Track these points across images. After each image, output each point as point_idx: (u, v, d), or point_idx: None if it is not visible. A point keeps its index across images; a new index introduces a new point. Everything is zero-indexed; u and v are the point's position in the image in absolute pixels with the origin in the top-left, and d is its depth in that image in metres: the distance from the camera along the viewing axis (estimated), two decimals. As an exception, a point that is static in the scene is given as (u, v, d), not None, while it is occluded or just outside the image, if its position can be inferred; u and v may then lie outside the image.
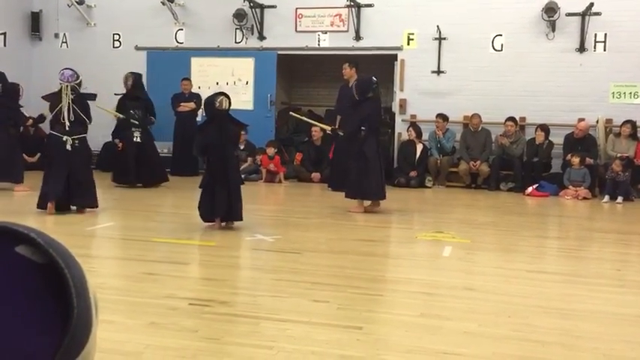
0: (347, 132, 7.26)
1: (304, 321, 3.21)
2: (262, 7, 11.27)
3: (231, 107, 5.94)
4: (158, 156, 9.58)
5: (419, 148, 10.16)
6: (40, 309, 0.51)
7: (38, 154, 11.01)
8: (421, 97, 10.68)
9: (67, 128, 6.38)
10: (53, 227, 6.18)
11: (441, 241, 5.55)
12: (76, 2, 11.77)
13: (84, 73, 11.72)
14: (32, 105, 11.91)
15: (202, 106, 6.59)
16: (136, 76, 9.48)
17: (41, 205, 6.51)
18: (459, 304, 3.62)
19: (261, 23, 11.37)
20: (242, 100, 11.35)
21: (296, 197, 8.78)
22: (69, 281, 0.52)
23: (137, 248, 5.15)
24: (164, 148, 11.59)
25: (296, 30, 11.28)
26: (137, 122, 9.07)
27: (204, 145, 5.76)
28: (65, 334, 0.52)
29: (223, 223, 5.78)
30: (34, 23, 12.08)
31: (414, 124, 10.42)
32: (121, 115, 9.05)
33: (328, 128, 8.44)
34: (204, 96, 11.25)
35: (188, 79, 11.26)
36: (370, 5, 10.87)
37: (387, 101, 11.84)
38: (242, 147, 10.73)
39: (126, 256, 4.86)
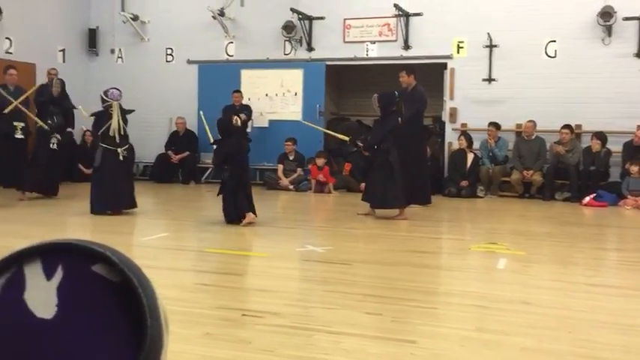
0: (370, 144, 7.54)
1: (357, 334, 3.18)
2: (311, 18, 11.36)
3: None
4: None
5: (470, 157, 10.01)
6: (115, 328, 0.52)
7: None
8: (472, 106, 10.53)
9: (117, 141, 7.14)
10: (110, 237, 6.35)
11: (494, 252, 5.43)
12: (131, 18, 12.15)
13: (138, 86, 12.16)
14: (90, 119, 12.31)
15: (217, 124, 6.99)
16: (63, 83, 9.07)
17: (98, 210, 7.05)
18: (516, 318, 3.52)
19: (310, 34, 11.46)
20: (291, 110, 11.46)
21: (345, 208, 8.74)
22: (143, 300, 0.53)
23: (191, 259, 5.24)
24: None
25: (344, 40, 11.32)
26: (55, 129, 8.61)
27: (224, 155, 6.61)
28: (139, 353, 0.52)
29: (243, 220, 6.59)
30: (91, 39, 12.53)
31: (464, 133, 10.28)
32: (45, 126, 8.52)
33: (346, 139, 8.45)
34: (254, 107, 11.47)
35: (239, 91, 11.43)
36: (419, 14, 10.81)
37: (436, 110, 11.74)
38: (291, 157, 10.81)
39: (180, 266, 4.94)
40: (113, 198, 7.15)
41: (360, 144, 7.89)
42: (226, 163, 6.57)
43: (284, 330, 3.23)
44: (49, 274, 0.52)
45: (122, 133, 7.17)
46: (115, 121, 7.08)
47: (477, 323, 3.45)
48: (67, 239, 0.54)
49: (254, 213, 6.61)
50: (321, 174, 10.34)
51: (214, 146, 7.10)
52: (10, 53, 10.90)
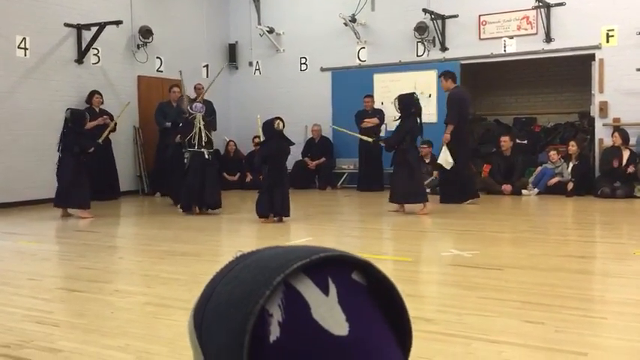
0: (391, 144, 7.96)
1: (519, 343, 2.98)
2: (444, 17, 11.09)
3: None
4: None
5: (626, 154, 9.20)
6: (389, 331, 0.53)
7: (238, 174, 11.89)
8: (625, 99, 9.69)
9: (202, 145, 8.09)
10: (259, 242, 6.57)
11: (665, 257, 4.90)
12: (267, 31, 12.60)
13: (275, 96, 12.55)
14: (232, 128, 12.94)
15: (261, 127, 7.37)
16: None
17: (185, 209, 8.15)
18: (703, 331, 3.12)
19: (443, 34, 11.19)
20: (426, 113, 11.17)
21: (487, 210, 8.39)
22: (403, 302, 0.54)
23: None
24: (350, 164, 11.89)
25: (479, 37, 10.93)
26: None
27: (265, 157, 7.14)
28: (404, 352, 0.54)
29: (276, 218, 7.16)
30: (231, 54, 13.16)
31: (618, 129, 9.48)
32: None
33: (370, 140, 8.64)
34: (388, 111, 11.40)
35: (370, 95, 11.42)
36: (561, 4, 10.16)
37: (583, 105, 10.98)
38: (427, 161, 10.59)
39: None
40: (198, 196, 8.05)
41: (382, 144, 8.23)
42: (266, 163, 7.16)
43: (439, 337, 3.10)
44: (324, 289, 0.50)
45: (206, 139, 8.11)
46: (196, 130, 8.07)
47: (655, 336, 3.10)
48: (318, 250, 0.52)
49: (288, 214, 7.14)
50: (459, 176, 9.99)
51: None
52: (161, 71, 11.72)
